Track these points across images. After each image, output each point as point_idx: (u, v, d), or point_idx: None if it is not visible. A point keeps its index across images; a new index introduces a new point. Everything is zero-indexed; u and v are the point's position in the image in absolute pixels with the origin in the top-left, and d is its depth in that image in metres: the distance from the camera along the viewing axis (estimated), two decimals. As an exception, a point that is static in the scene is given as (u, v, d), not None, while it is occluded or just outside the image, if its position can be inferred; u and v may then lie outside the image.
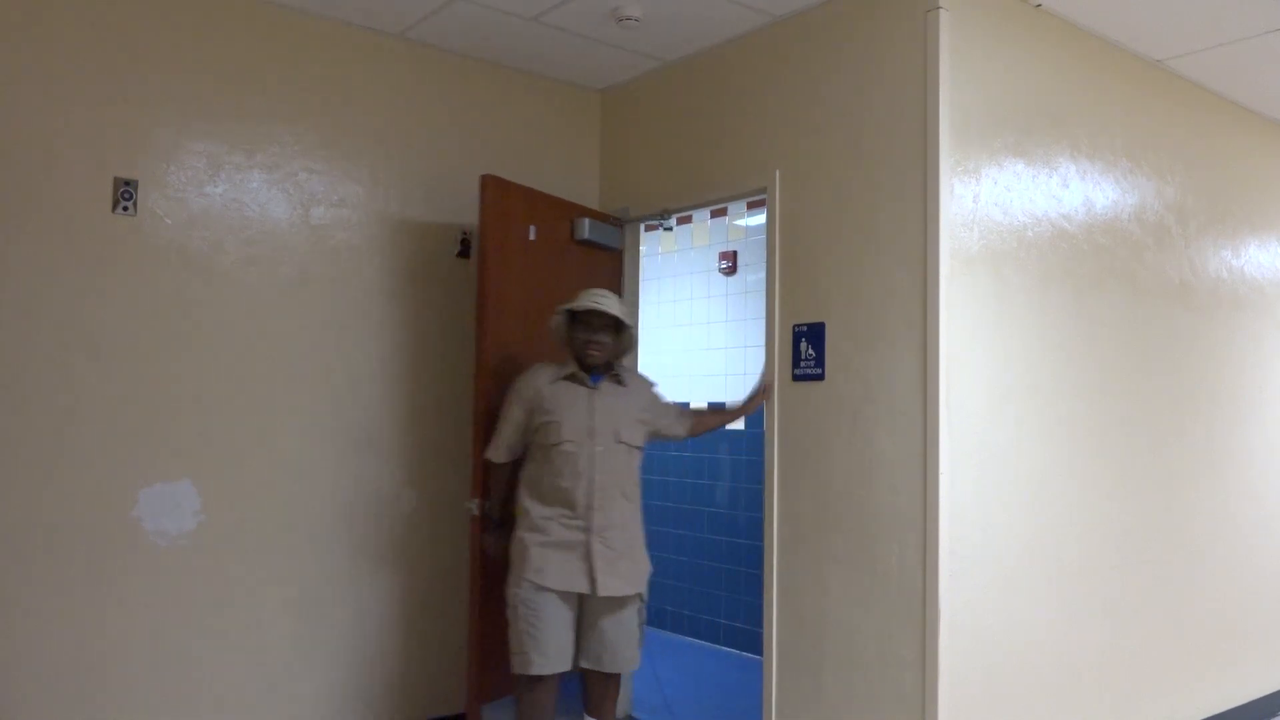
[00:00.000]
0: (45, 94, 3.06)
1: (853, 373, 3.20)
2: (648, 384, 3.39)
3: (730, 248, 5.60)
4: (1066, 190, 3.45)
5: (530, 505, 3.15)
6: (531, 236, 3.74)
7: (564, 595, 3.08)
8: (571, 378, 3.17)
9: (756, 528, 5.02)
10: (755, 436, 5.33)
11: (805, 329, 3.35)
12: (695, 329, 5.82)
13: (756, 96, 3.63)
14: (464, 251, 3.94)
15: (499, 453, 3.24)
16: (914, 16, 3.09)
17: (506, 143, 4.09)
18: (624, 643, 3.17)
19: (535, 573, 3.06)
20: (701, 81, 3.89)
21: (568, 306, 3.20)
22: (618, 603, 3.13)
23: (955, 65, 3.05)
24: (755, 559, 5.14)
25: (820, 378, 3.29)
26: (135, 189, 3.20)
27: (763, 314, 3.60)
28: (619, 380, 3.23)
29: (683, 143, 3.96)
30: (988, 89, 3.19)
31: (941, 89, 3.01)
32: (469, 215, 3.87)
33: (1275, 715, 4.37)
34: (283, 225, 3.51)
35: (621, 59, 3.99)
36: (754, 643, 5.17)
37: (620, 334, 3.23)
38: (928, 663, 2.93)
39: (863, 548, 3.13)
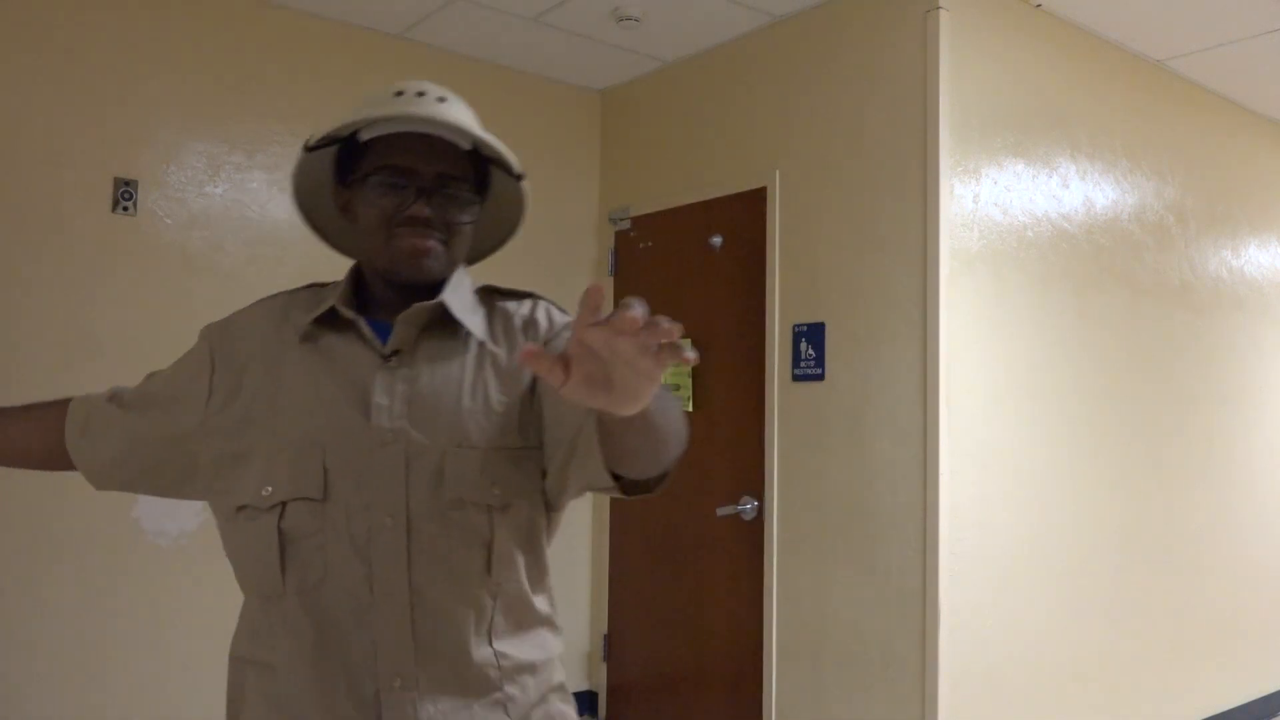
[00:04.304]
0: (46, 94, 3.06)
1: (853, 373, 3.20)
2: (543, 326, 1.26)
3: (730, 248, 5.60)
4: (1066, 190, 3.45)
5: (241, 656, 1.27)
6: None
7: None
8: (336, 320, 1.21)
9: (756, 528, 5.03)
10: (755, 436, 5.32)
11: (805, 329, 3.35)
12: (695, 329, 5.82)
13: (756, 96, 3.63)
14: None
15: (72, 432, 1.28)
16: (914, 16, 3.09)
17: (507, 143, 4.08)
18: None
19: None
20: (701, 81, 3.89)
21: (351, 121, 1.16)
22: None
23: (955, 65, 3.06)
24: (755, 559, 5.14)
25: (820, 378, 3.29)
26: (135, 189, 3.20)
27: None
28: (450, 340, 1.21)
29: (683, 142, 3.96)
30: (988, 89, 3.19)
31: (941, 89, 3.01)
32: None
33: (1275, 715, 4.37)
34: (283, 225, 3.51)
35: (621, 59, 3.99)
36: (754, 642, 5.16)
37: (481, 198, 1.25)
38: (928, 662, 2.93)
39: (863, 548, 3.13)
